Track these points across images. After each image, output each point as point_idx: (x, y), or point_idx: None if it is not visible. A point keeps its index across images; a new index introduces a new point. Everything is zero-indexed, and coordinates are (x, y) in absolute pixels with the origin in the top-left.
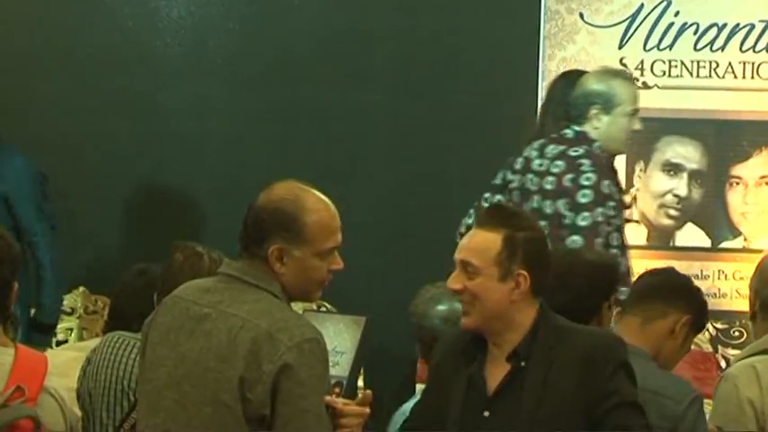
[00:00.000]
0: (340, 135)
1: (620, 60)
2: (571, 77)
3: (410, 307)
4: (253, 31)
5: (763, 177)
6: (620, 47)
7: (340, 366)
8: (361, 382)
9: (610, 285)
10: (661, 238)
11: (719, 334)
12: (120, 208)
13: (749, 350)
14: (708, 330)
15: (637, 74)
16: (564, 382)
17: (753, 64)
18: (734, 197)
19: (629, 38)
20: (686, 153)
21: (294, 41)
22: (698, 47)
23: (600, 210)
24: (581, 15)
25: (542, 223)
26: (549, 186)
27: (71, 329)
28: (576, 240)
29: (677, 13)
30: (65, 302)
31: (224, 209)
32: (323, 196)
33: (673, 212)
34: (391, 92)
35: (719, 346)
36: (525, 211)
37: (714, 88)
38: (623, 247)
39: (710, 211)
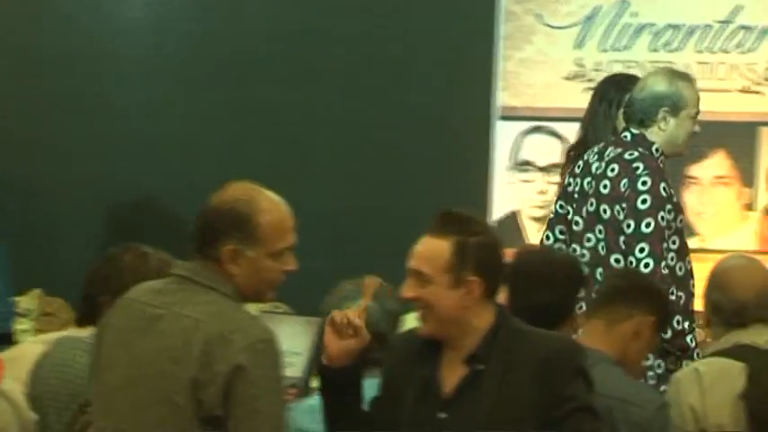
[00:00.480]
0: (296, 135)
1: (578, 61)
2: (619, 80)
3: (320, 305)
4: (209, 31)
5: (718, 178)
6: (578, 47)
7: (296, 367)
8: (315, 383)
9: (583, 282)
10: None
11: None
12: (76, 209)
13: (707, 353)
14: None
15: (594, 75)
16: (521, 385)
17: (709, 65)
18: (690, 197)
19: (587, 39)
20: None
21: (250, 42)
22: (655, 47)
23: (661, 214)
24: (538, 16)
25: (599, 227)
26: (604, 190)
27: (27, 331)
28: (644, 248)
29: (634, 14)
30: (21, 305)
31: (180, 208)
32: (276, 197)
33: None
34: (347, 92)
35: None
36: (476, 216)
37: None
38: (684, 251)
39: None
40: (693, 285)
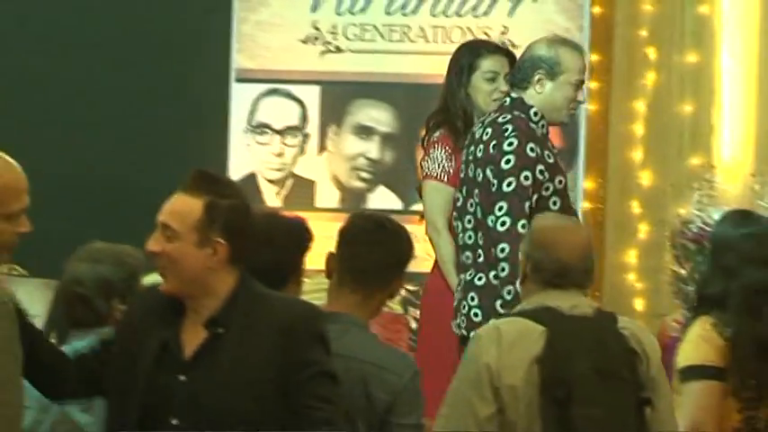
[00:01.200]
0: (35, 98)
1: (314, 24)
2: (472, 45)
3: (65, 264)
4: None
5: None
6: (314, 10)
7: None
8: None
9: (307, 241)
10: (353, 201)
11: (410, 295)
12: None
13: (516, 312)
14: None
15: (330, 38)
16: (261, 349)
17: (444, 28)
18: None
19: (323, 2)
20: (378, 116)
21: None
22: (390, 11)
23: (526, 173)
24: None
25: (476, 191)
26: (479, 154)
27: None
28: (502, 207)
29: None
30: None
31: None
32: (9, 159)
33: (365, 175)
34: (89, 56)
35: (409, 308)
36: (229, 179)
37: (406, 52)
38: (567, 211)
39: (402, 174)
40: None
